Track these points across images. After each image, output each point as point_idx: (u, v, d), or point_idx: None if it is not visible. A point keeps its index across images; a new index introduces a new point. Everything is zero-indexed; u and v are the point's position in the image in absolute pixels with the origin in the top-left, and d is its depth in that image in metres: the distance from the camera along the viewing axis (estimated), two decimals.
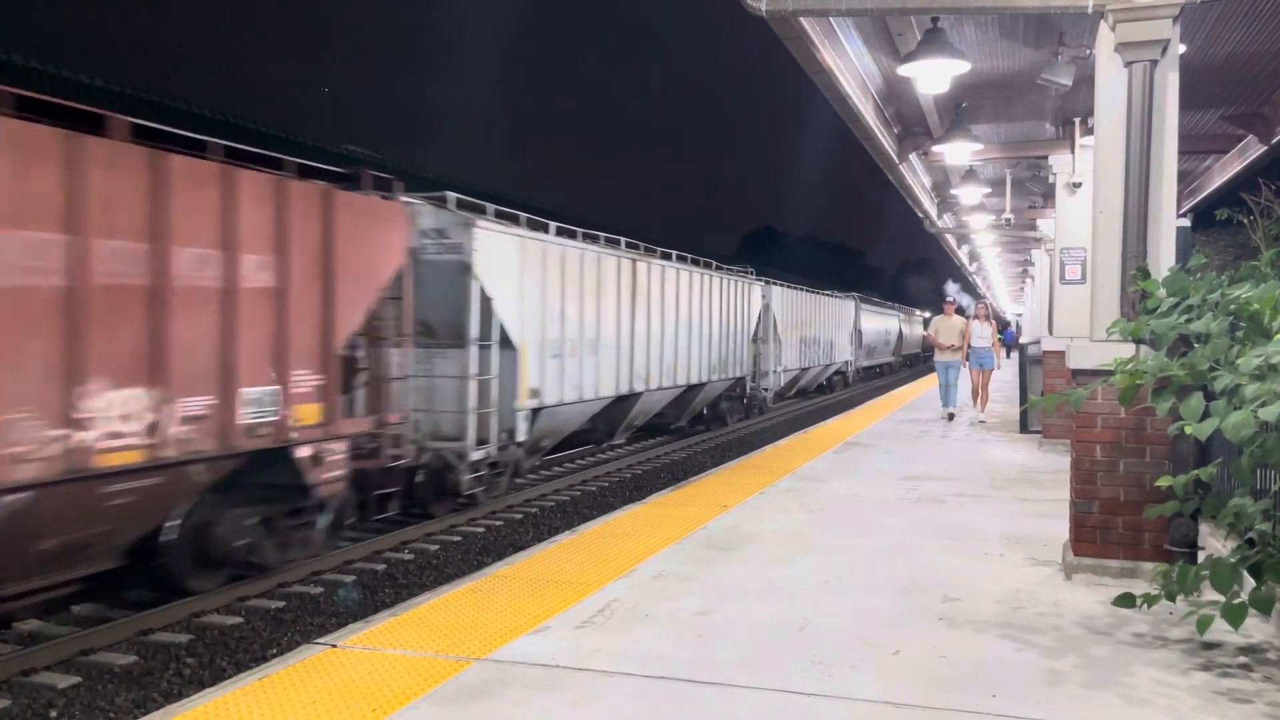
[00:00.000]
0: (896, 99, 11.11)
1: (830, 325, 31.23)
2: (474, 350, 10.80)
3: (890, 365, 47.47)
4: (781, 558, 6.01)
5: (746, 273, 22.17)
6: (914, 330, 55.99)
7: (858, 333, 36.19)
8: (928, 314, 59.84)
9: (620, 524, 7.09)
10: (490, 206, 11.71)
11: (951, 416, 15.24)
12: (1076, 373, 5.54)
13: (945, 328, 15.35)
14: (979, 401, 15.34)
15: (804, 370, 28.07)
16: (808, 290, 28.68)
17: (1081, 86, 8.39)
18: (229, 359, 7.13)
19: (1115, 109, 5.54)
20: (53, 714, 5.75)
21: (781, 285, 25.69)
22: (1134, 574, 5.34)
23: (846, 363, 34.38)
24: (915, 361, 57.21)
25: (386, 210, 9.08)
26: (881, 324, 43.22)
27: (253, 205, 7.34)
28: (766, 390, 23.63)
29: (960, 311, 16.17)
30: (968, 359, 15.31)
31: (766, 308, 23.41)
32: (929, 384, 21.31)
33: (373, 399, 9.04)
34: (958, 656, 4.19)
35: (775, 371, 24.22)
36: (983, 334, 15.36)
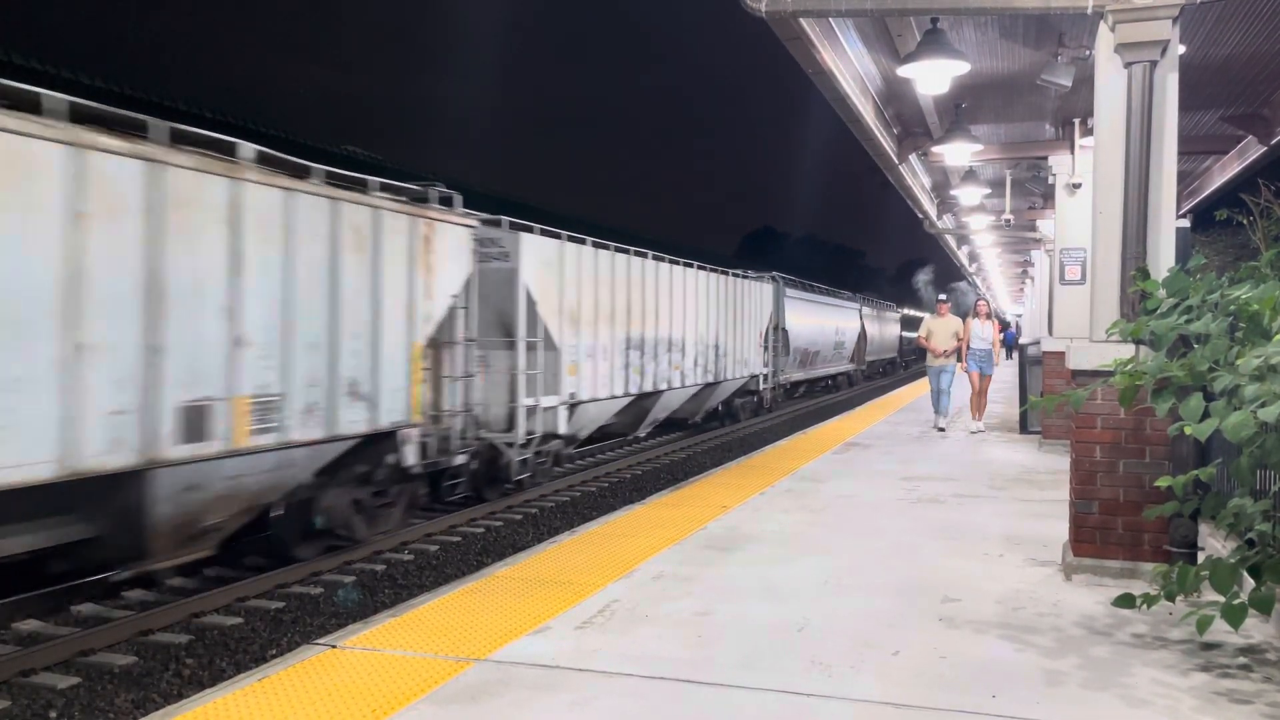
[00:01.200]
0: (896, 100, 11.11)
1: (717, 319, 19.20)
2: None
3: (849, 376, 36.19)
4: (781, 558, 6.01)
5: (423, 200, 9.99)
6: (886, 330, 44.55)
7: (781, 332, 24.82)
8: (919, 314, 56.34)
9: (620, 524, 7.09)
10: None
11: (943, 429, 13.72)
12: (1076, 373, 5.54)
13: (939, 329, 13.80)
14: (976, 409, 13.97)
15: (647, 396, 16.01)
16: (651, 257, 16.24)
17: (1081, 87, 8.39)
18: None
19: (1115, 110, 5.54)
20: (52, 714, 5.75)
21: (561, 239, 13.26)
22: (1134, 574, 5.34)
23: (755, 378, 22.41)
24: (891, 368, 47.09)
25: None
26: (828, 320, 31.13)
27: None
28: (518, 444, 11.92)
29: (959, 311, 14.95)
30: (964, 361, 13.88)
31: (512, 275, 12.05)
32: (923, 387, 20.74)
33: None
34: (958, 657, 4.19)
35: (546, 407, 12.52)
36: (983, 334, 13.82)
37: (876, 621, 4.69)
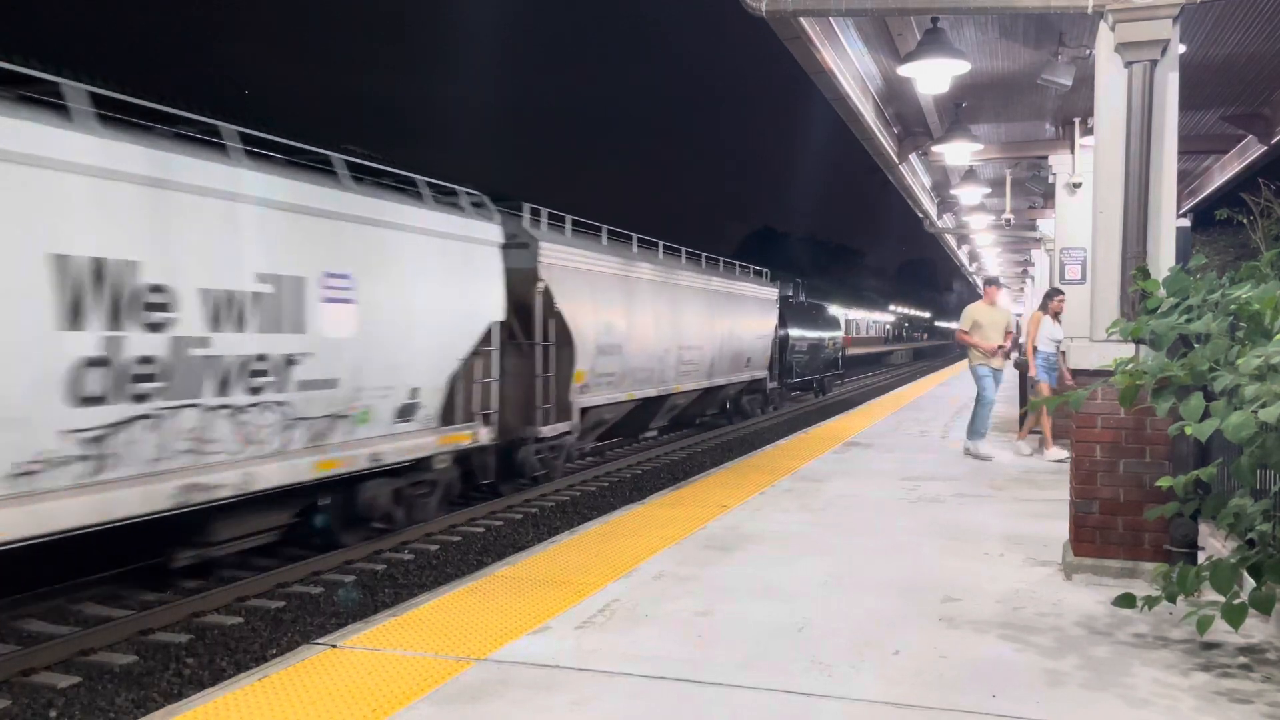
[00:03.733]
0: (896, 99, 11.11)
1: None
2: None
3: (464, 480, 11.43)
4: (781, 558, 6.01)
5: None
6: (741, 326, 21.32)
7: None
8: (850, 307, 39.07)
9: (620, 524, 7.08)
10: None
11: (988, 456, 10.42)
12: (1076, 373, 5.54)
13: (990, 320, 10.43)
14: (1040, 429, 10.86)
15: None
16: None
17: (1081, 86, 8.39)
18: None
19: (1115, 109, 5.54)
20: (53, 714, 5.76)
21: None
22: (1134, 574, 5.34)
23: None
24: (761, 404, 23.95)
25: None
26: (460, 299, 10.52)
27: None
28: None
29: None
30: (1031, 368, 10.72)
31: None
32: (926, 385, 20.33)
33: None
34: (958, 657, 4.19)
35: None
36: (1056, 335, 10.45)
37: (877, 621, 4.69)
